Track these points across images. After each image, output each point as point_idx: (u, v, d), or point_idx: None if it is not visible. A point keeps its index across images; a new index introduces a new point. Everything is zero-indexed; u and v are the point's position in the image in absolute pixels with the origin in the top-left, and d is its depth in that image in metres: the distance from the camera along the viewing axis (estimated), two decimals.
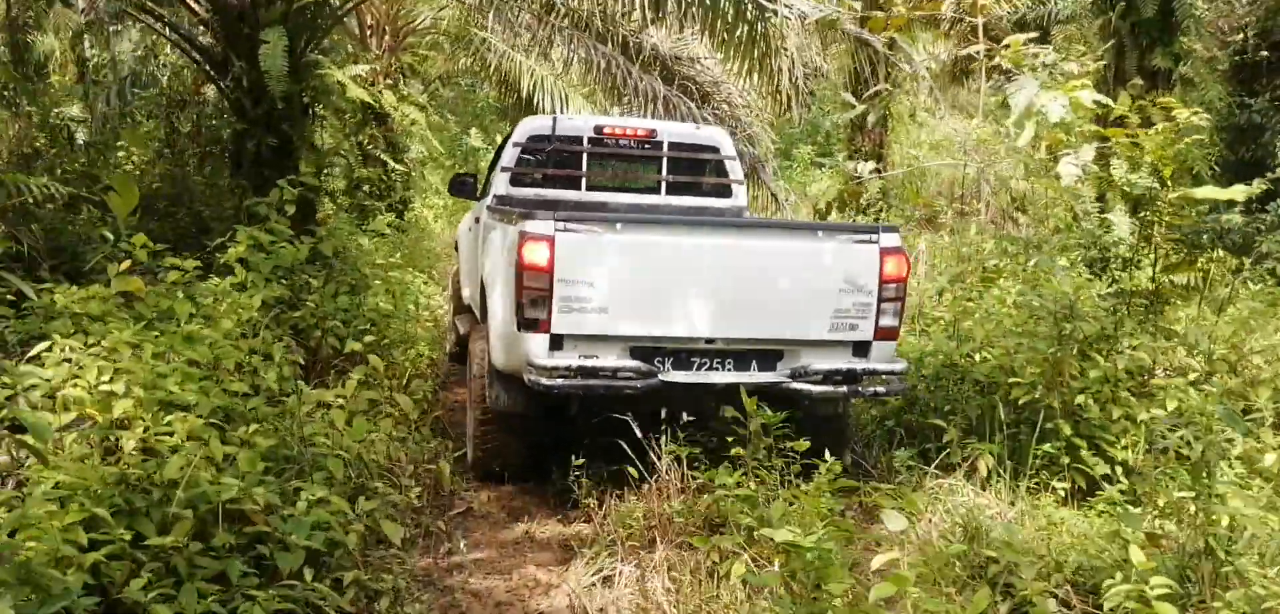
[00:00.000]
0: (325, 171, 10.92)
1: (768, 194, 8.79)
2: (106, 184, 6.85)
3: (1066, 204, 9.45)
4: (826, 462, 4.56)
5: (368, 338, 6.86)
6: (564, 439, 5.78)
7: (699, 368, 5.35)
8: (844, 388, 5.35)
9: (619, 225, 5.25)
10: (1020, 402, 5.59)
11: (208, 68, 9.04)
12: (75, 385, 4.15)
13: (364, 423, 4.90)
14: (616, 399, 5.19)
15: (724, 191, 7.45)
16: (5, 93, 9.85)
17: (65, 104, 11.03)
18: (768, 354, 5.41)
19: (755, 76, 10.08)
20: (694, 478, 4.87)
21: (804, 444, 4.70)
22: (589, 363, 5.07)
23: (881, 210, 12.31)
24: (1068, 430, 5.39)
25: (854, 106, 15.50)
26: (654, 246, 5.31)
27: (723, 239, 5.52)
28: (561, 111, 16.16)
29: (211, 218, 8.91)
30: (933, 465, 5.36)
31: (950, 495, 4.97)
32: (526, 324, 5.10)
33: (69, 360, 4.38)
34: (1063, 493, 5.26)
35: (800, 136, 28.27)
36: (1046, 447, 5.39)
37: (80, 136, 11.10)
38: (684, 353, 5.32)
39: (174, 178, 9.53)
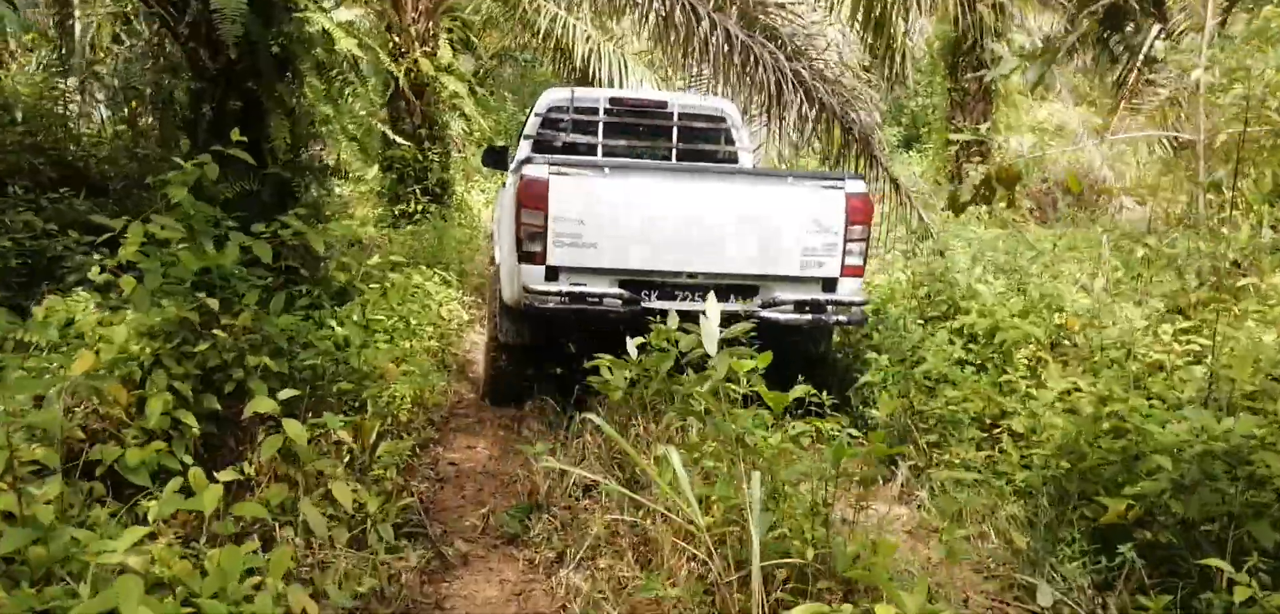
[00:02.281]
0: (321, 141, 8.95)
1: (883, 177, 6.47)
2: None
3: None
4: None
5: (343, 385, 4.86)
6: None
7: (681, 298, 5.86)
8: (809, 315, 5.86)
9: (607, 170, 5.87)
10: None
11: (165, 9, 7.07)
12: None
13: (230, 560, 2.80)
14: (604, 326, 5.59)
15: (731, 160, 7.82)
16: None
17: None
18: (744, 288, 5.95)
19: (869, 36, 7.97)
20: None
21: (767, 357, 4.15)
22: (578, 289, 5.66)
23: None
24: None
25: (1002, 62, 12.97)
26: (639, 189, 5.84)
27: (702, 184, 6.04)
28: (621, 83, 14.25)
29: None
30: None
31: None
32: (526, 257, 5.70)
33: None
34: None
35: (886, 117, 25.73)
36: None
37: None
38: (668, 285, 5.89)
39: (131, 154, 7.66)
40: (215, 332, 4.37)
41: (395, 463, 4.62)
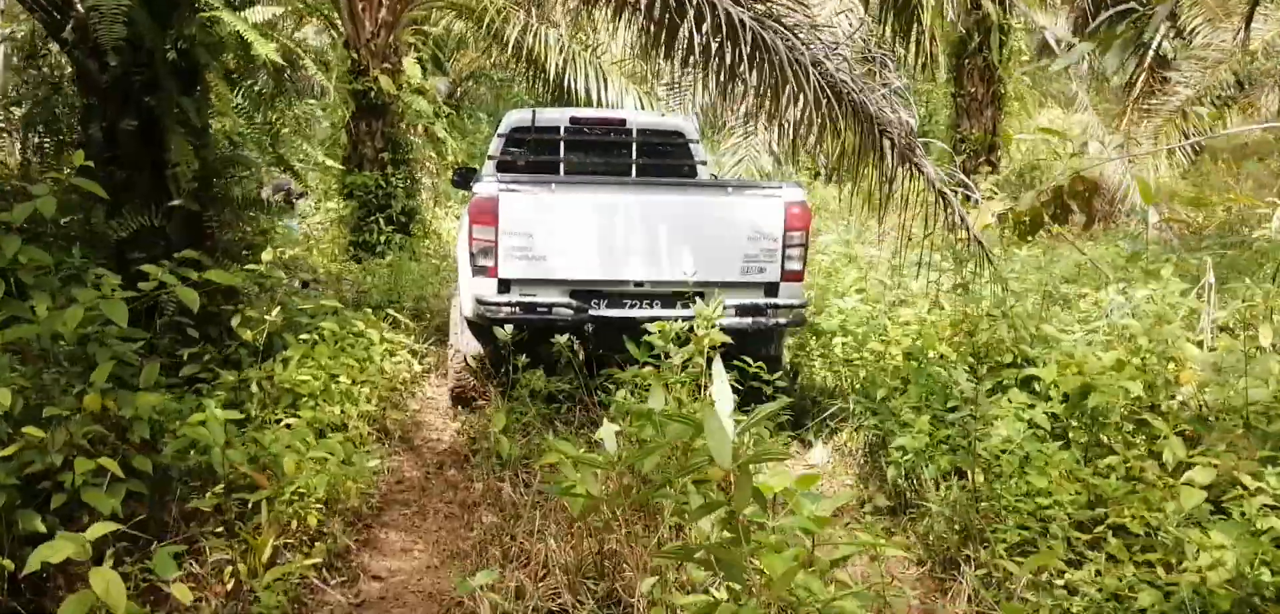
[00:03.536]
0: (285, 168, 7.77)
1: (923, 185, 5.27)
2: None
3: None
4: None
5: (214, 494, 3.64)
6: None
7: (630, 306, 6.12)
8: (749, 319, 6.10)
9: (553, 185, 6.24)
10: None
11: (46, 10, 5.88)
12: None
13: None
14: (555, 334, 5.79)
15: (689, 173, 7.93)
16: None
17: None
18: (689, 295, 6.02)
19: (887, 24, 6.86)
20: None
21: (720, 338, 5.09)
22: (529, 300, 5.95)
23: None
24: None
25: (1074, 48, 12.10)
26: (586, 203, 6.12)
27: (647, 196, 6.27)
28: (601, 95, 13.15)
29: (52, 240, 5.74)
30: None
31: None
32: (479, 270, 5.98)
33: None
34: None
35: None
36: None
37: None
38: (616, 295, 6.11)
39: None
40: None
41: (286, 594, 3.40)
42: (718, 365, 2.64)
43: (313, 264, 11.78)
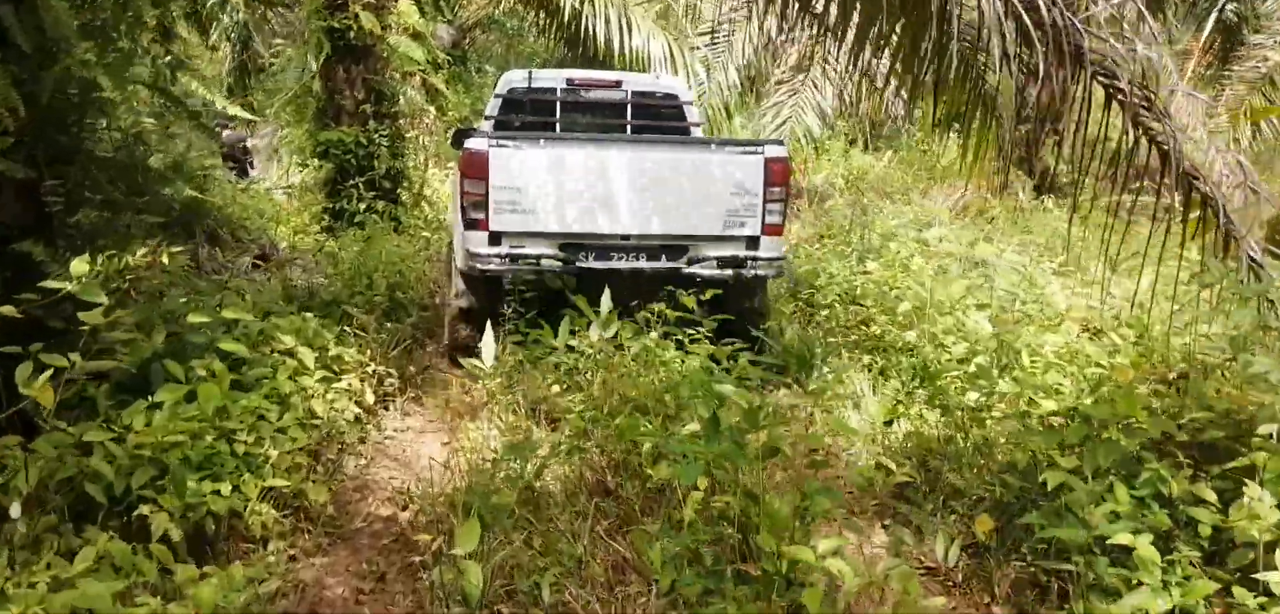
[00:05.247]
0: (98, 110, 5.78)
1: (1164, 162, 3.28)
2: None
3: None
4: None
5: None
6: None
7: (616, 259, 6.29)
8: (730, 270, 6.29)
9: (542, 141, 6.39)
10: None
11: None
12: None
13: None
14: (545, 283, 6.19)
15: (683, 134, 7.97)
16: None
17: None
18: (674, 248, 6.32)
19: None
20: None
21: (691, 300, 5.73)
22: (519, 252, 6.12)
23: None
24: None
25: None
26: (574, 159, 6.24)
27: (633, 152, 6.37)
28: (623, 43, 11.23)
29: None
30: None
31: None
32: (470, 224, 6.13)
33: None
34: None
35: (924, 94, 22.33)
36: None
37: None
38: (603, 247, 6.27)
39: None
40: None
41: None
42: None
43: (274, 236, 9.87)
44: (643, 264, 6.25)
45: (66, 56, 3.94)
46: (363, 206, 11.02)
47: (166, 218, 5.17)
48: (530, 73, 7.98)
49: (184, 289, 5.53)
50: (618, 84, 8.23)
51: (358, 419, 5.00)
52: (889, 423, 4.68)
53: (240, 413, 3.92)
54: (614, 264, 6.23)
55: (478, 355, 6.00)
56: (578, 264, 6.16)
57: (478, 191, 6.04)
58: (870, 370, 5.75)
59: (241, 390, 4.20)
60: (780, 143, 6.55)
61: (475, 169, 6.04)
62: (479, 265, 6.10)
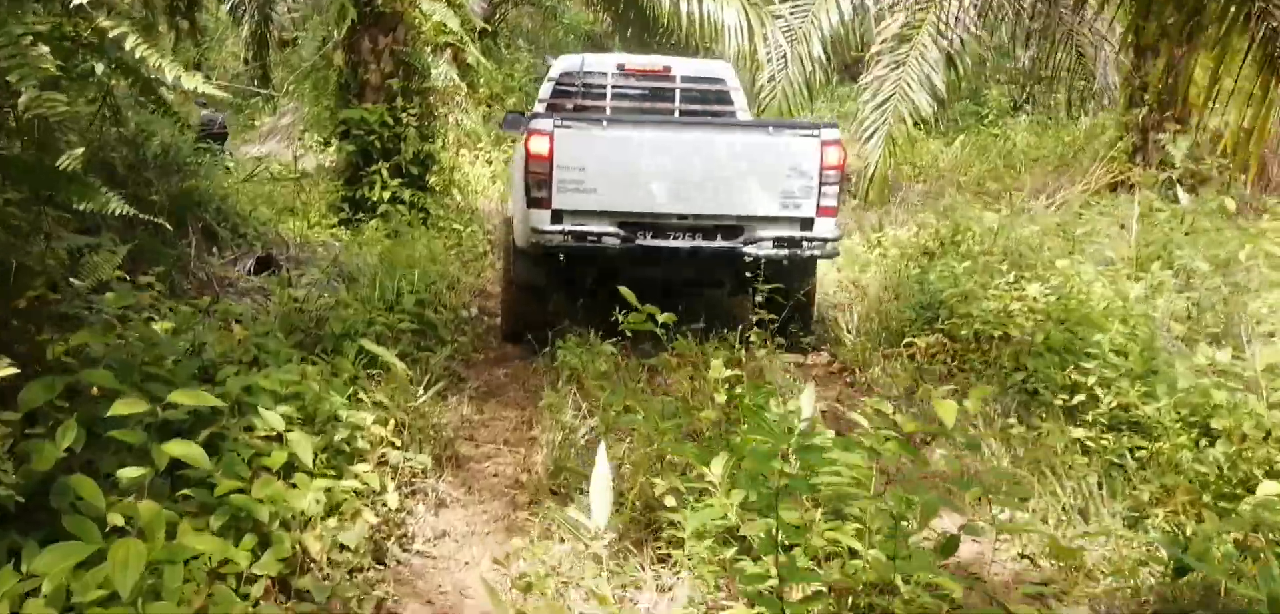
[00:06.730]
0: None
1: None
2: None
3: None
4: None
5: None
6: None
7: (673, 238, 6.41)
8: (786, 250, 6.37)
9: (604, 123, 6.78)
10: None
11: None
12: None
13: None
14: (606, 264, 6.28)
15: (729, 117, 8.16)
16: None
17: None
18: (730, 228, 6.43)
19: None
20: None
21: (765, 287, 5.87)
22: (580, 229, 6.22)
23: None
24: None
25: None
26: (634, 141, 6.46)
27: (691, 134, 6.60)
28: (696, 5, 9.78)
29: None
30: None
31: None
32: (534, 202, 6.26)
33: None
34: None
35: (991, 73, 20.48)
36: None
37: None
38: (661, 226, 6.39)
39: None
40: None
41: None
42: None
43: (284, 233, 8.37)
44: (700, 242, 6.38)
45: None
46: (387, 195, 9.55)
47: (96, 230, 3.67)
48: (583, 58, 8.43)
49: (149, 315, 4.06)
50: (667, 69, 8.46)
51: (381, 532, 3.45)
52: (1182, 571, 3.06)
53: (179, 575, 2.41)
54: (672, 242, 6.37)
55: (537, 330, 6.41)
56: (636, 242, 6.26)
57: (542, 171, 6.16)
58: (1090, 458, 4.03)
59: (199, 514, 2.69)
60: (834, 125, 6.64)
61: (541, 149, 6.15)
62: (542, 242, 6.20)
